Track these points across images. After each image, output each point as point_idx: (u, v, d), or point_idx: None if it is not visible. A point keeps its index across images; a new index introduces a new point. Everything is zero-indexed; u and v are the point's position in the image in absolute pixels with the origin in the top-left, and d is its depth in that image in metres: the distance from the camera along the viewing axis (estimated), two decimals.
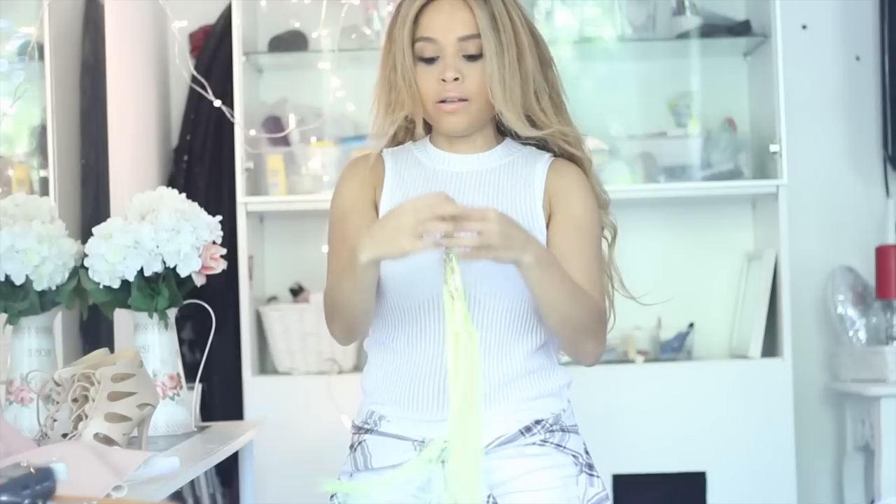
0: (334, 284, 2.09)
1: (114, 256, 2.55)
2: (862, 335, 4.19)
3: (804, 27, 4.33)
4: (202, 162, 4.15)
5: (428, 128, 2.20)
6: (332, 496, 2.17)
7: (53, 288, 2.62)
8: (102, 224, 2.61)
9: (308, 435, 3.84)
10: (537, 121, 2.13)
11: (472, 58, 2.09)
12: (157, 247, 2.56)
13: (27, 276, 2.58)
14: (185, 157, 4.16)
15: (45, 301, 2.63)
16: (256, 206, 3.97)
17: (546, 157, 2.18)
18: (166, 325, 2.65)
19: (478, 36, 2.08)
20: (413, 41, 2.10)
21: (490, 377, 2.07)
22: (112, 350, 2.64)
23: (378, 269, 2.00)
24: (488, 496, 2.07)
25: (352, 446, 2.17)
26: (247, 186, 3.92)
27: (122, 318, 2.78)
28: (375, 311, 2.14)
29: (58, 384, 2.27)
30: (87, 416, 2.18)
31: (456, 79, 2.08)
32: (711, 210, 4.26)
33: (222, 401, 4.00)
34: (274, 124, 4.10)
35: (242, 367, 3.91)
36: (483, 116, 2.14)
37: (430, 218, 1.87)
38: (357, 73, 4.08)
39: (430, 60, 2.10)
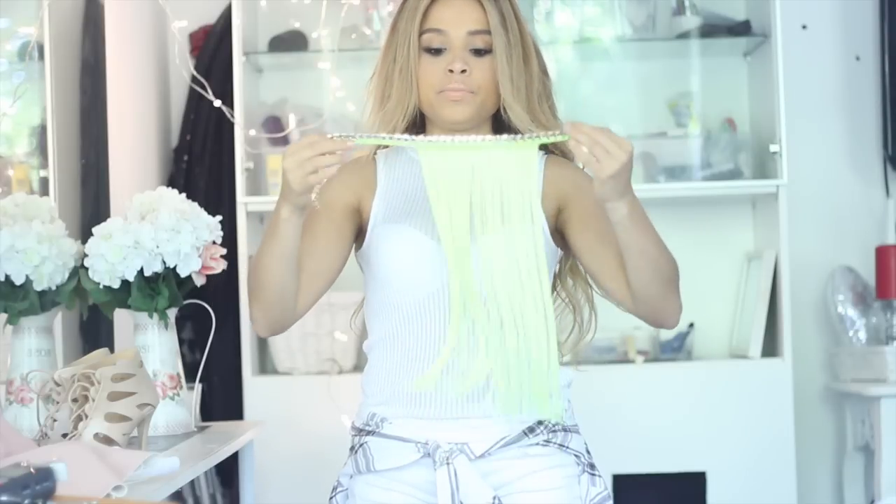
0: (256, 254, 2.07)
1: (114, 256, 2.55)
2: (862, 335, 4.19)
3: (804, 27, 4.33)
4: (202, 162, 4.15)
5: (420, 127, 2.20)
6: (331, 497, 2.17)
7: (53, 288, 2.62)
8: (102, 224, 2.61)
9: (308, 435, 3.84)
10: (537, 121, 2.13)
11: (479, 53, 2.10)
12: (157, 247, 2.56)
13: (27, 276, 2.58)
14: (185, 157, 4.16)
15: (45, 301, 2.63)
16: (256, 206, 3.97)
17: (540, 153, 2.17)
18: (166, 325, 2.65)
19: (487, 32, 2.09)
20: (420, 32, 2.11)
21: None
22: (112, 350, 2.64)
23: (298, 231, 2.00)
24: (494, 497, 2.06)
25: (352, 448, 2.16)
26: (247, 186, 3.92)
27: (122, 318, 2.78)
28: (375, 310, 2.14)
29: (58, 384, 2.27)
30: (87, 416, 2.18)
31: (463, 71, 2.08)
32: (711, 210, 4.26)
33: (222, 401, 4.00)
34: (274, 124, 4.10)
35: (242, 367, 3.91)
36: (484, 112, 2.14)
37: (315, 150, 1.90)
38: (357, 73, 4.07)
39: (436, 52, 2.11)
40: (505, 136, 1.96)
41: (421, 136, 2.01)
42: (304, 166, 1.91)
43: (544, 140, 1.95)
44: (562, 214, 2.14)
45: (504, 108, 2.13)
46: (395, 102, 2.12)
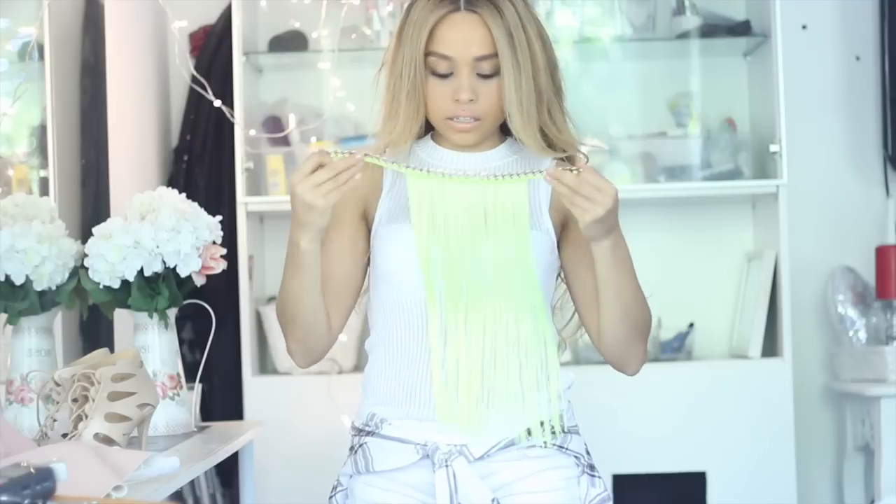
0: (281, 290, 2.10)
1: (114, 256, 2.55)
2: (862, 335, 4.19)
3: (804, 27, 4.33)
4: (202, 162, 4.14)
5: (430, 125, 2.20)
6: (331, 496, 2.17)
7: (53, 288, 2.62)
8: (102, 224, 2.61)
9: (308, 435, 3.84)
10: (550, 135, 2.11)
11: (485, 76, 2.07)
12: (157, 247, 2.56)
13: (27, 276, 2.58)
14: (185, 157, 4.16)
15: (45, 301, 2.63)
16: (256, 206, 3.97)
17: (549, 157, 2.17)
18: (166, 325, 2.65)
19: (494, 56, 2.05)
20: (426, 53, 2.07)
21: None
22: (112, 350, 2.64)
23: (319, 256, 2.03)
24: (492, 499, 2.06)
25: (352, 448, 2.16)
26: (247, 186, 3.92)
27: (122, 318, 2.78)
28: (377, 308, 2.15)
29: (58, 384, 2.27)
30: (87, 416, 2.18)
31: (471, 100, 2.07)
32: (711, 210, 4.26)
33: (222, 401, 4.00)
34: (274, 124, 4.10)
35: (242, 367, 3.91)
36: (493, 129, 2.13)
37: (316, 178, 1.95)
38: (357, 73, 4.08)
39: (442, 75, 2.08)
40: (493, 174, 2.03)
41: (415, 168, 2.05)
42: (323, 187, 1.95)
43: (528, 178, 2.01)
44: (564, 230, 2.14)
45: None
46: (403, 123, 2.10)
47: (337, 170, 1.95)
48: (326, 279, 2.10)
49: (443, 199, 2.03)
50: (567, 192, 1.94)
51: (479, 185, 2.01)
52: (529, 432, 2.08)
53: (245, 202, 3.92)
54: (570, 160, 2.18)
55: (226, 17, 4.13)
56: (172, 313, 2.66)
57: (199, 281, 2.65)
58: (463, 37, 2.06)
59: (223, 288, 3.90)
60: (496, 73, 2.07)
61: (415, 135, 2.13)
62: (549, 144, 2.12)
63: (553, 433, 2.10)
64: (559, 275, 2.20)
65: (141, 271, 2.57)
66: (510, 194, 2.05)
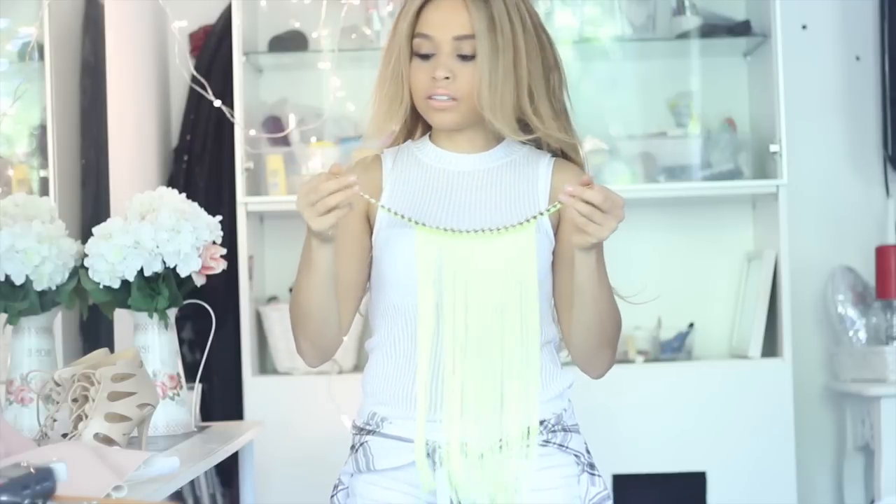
0: (295, 287, 2.11)
1: (114, 256, 2.55)
2: (862, 335, 4.19)
3: (804, 27, 4.33)
4: (202, 162, 4.15)
5: (428, 126, 2.21)
6: (332, 495, 2.17)
7: (53, 288, 2.62)
8: (102, 224, 2.61)
9: (308, 435, 3.84)
10: (531, 124, 2.12)
11: (466, 58, 2.09)
12: (157, 247, 2.56)
13: (27, 276, 2.58)
14: (185, 157, 4.16)
15: (45, 301, 2.63)
16: (256, 206, 3.97)
17: (547, 157, 2.18)
18: (166, 325, 2.65)
19: (473, 37, 2.08)
20: (412, 36, 2.11)
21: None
22: (112, 350, 2.64)
23: (332, 254, 2.03)
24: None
25: (353, 447, 2.17)
26: (247, 186, 3.92)
27: (122, 318, 2.78)
28: (378, 310, 2.15)
29: (58, 384, 2.27)
30: (87, 416, 2.18)
31: (447, 78, 2.08)
32: (711, 210, 4.26)
33: (222, 401, 4.00)
34: (274, 124, 4.10)
35: (242, 367, 3.91)
36: (474, 114, 2.13)
37: (319, 195, 1.94)
38: (357, 73, 4.09)
39: (425, 57, 2.10)
40: (499, 226, 2.01)
41: (424, 223, 2.03)
42: (316, 208, 1.95)
43: (542, 216, 1.99)
44: (559, 227, 2.14)
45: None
46: (387, 106, 2.13)
47: (325, 192, 1.94)
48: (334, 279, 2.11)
49: (451, 251, 2.02)
50: (588, 210, 1.92)
51: (488, 239, 2.00)
52: (529, 432, 2.08)
53: (245, 202, 3.92)
54: (567, 156, 2.19)
55: (226, 17, 4.13)
56: (172, 313, 2.66)
57: (199, 281, 2.65)
58: (444, 17, 2.09)
59: (223, 288, 3.90)
60: (476, 55, 2.08)
61: (399, 119, 2.15)
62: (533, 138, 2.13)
63: (553, 432, 2.10)
64: None
65: (141, 271, 2.57)
66: (530, 203, 2.08)
